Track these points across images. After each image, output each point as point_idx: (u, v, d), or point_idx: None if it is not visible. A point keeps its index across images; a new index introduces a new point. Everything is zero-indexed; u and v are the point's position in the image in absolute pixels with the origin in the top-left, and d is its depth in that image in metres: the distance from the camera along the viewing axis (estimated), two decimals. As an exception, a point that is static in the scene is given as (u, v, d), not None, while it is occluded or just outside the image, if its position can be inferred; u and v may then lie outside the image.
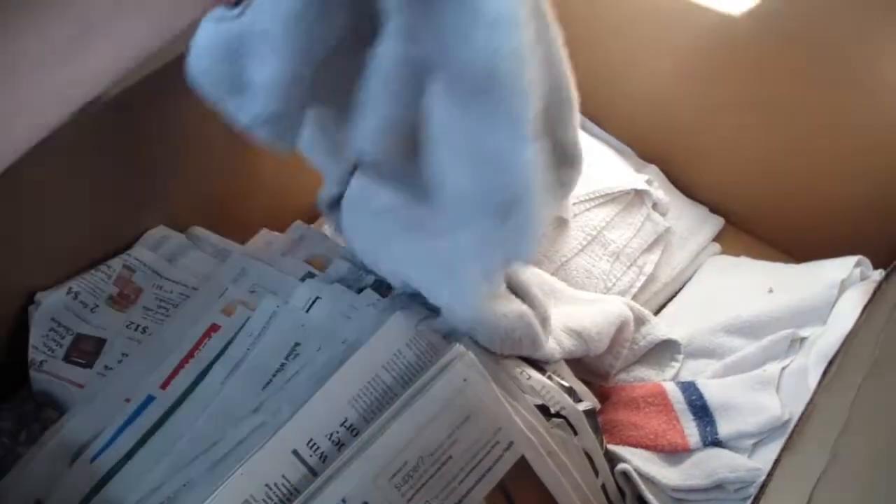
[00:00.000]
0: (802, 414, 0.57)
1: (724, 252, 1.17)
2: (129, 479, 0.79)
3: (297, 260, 0.95)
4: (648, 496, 0.87)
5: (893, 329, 0.61)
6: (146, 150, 0.91)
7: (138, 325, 0.90)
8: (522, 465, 0.78)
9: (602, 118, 1.24)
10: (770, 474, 0.54)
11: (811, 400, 0.58)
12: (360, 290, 0.90)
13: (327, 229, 1.06)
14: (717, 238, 1.18)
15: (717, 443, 0.90)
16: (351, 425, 0.78)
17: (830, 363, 0.60)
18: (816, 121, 1.04)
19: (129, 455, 0.80)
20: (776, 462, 0.55)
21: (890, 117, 0.99)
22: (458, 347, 0.79)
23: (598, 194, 1.06)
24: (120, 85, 0.83)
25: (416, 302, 0.85)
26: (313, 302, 0.87)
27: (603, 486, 0.86)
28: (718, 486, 0.87)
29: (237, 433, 0.78)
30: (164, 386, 0.84)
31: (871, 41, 0.95)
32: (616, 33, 1.16)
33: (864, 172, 1.04)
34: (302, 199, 1.09)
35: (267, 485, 0.74)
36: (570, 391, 0.85)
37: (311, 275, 0.92)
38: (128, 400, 0.83)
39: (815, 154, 1.07)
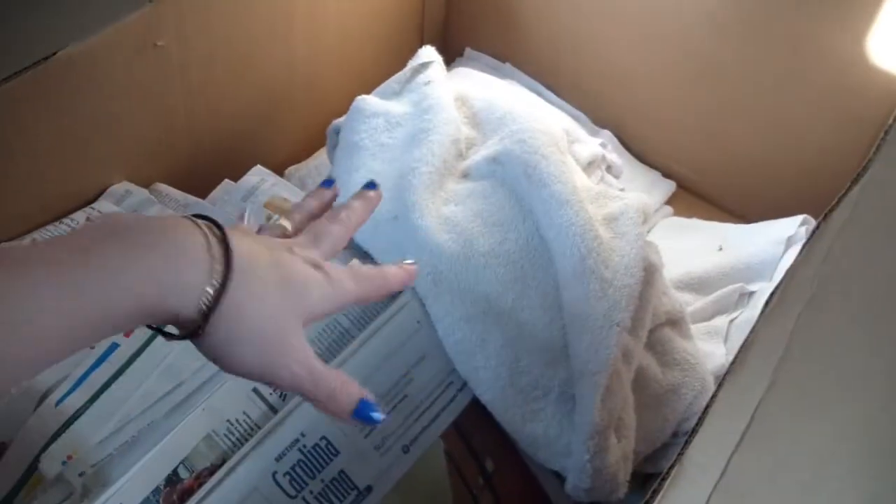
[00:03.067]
0: (745, 341, 0.60)
1: (675, 215, 1.19)
2: (92, 421, 0.80)
3: (257, 206, 0.97)
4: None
5: (829, 268, 0.64)
6: (108, 105, 0.92)
7: (102, 277, 0.91)
8: (478, 406, 0.81)
9: (557, 86, 1.27)
10: (714, 396, 0.57)
11: (753, 329, 0.61)
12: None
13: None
14: (669, 201, 1.21)
15: (666, 390, 0.93)
16: (310, 366, 0.80)
17: (771, 296, 0.63)
18: (763, 87, 1.07)
19: (94, 399, 0.81)
20: (720, 385, 0.58)
21: (832, 82, 1.02)
22: (411, 292, 0.82)
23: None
24: (81, 39, 0.85)
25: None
26: (275, 252, 0.88)
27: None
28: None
29: (200, 374, 0.80)
30: (128, 334, 0.85)
31: (812, 8, 0.98)
32: (571, 3, 1.19)
33: (808, 136, 1.08)
34: (265, 154, 1.11)
35: (228, 420, 0.76)
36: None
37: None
38: (92, 347, 0.85)
39: (762, 119, 1.10)
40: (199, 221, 0.53)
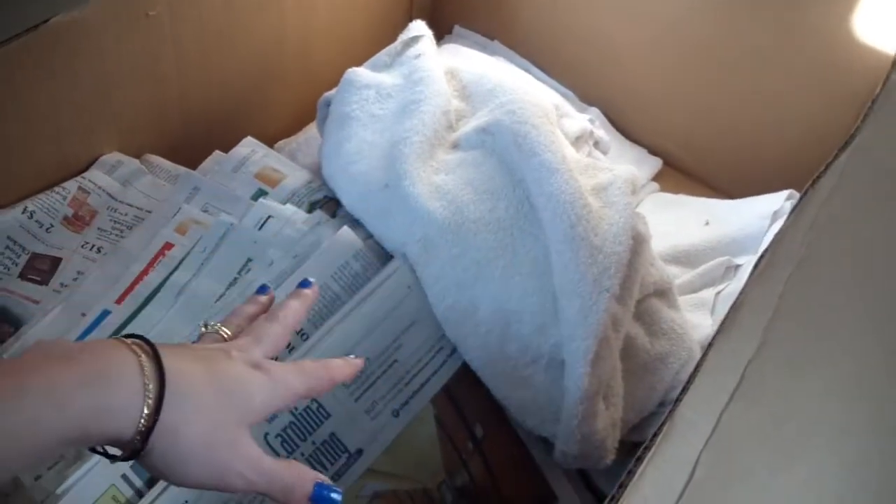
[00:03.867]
0: (734, 303, 0.61)
1: (662, 191, 1.20)
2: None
3: (248, 175, 0.97)
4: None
5: (818, 232, 0.65)
6: (101, 74, 0.92)
7: (94, 245, 0.91)
8: (467, 371, 0.82)
9: (546, 63, 1.28)
10: (704, 355, 0.58)
11: (742, 290, 0.62)
12: (311, 206, 0.92)
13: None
14: (656, 178, 1.22)
15: (655, 358, 0.94)
16: (300, 330, 0.80)
17: (761, 258, 0.64)
18: (750, 64, 1.08)
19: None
20: (710, 344, 0.58)
21: (819, 59, 1.03)
22: (401, 258, 0.83)
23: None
24: (74, 8, 0.85)
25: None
26: (265, 221, 0.89)
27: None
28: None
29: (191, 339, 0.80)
30: (119, 301, 0.86)
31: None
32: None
33: (795, 112, 1.08)
34: (256, 126, 1.11)
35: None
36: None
37: (262, 192, 0.94)
38: (84, 314, 0.85)
39: (749, 96, 1.11)
40: (131, 342, 0.54)
